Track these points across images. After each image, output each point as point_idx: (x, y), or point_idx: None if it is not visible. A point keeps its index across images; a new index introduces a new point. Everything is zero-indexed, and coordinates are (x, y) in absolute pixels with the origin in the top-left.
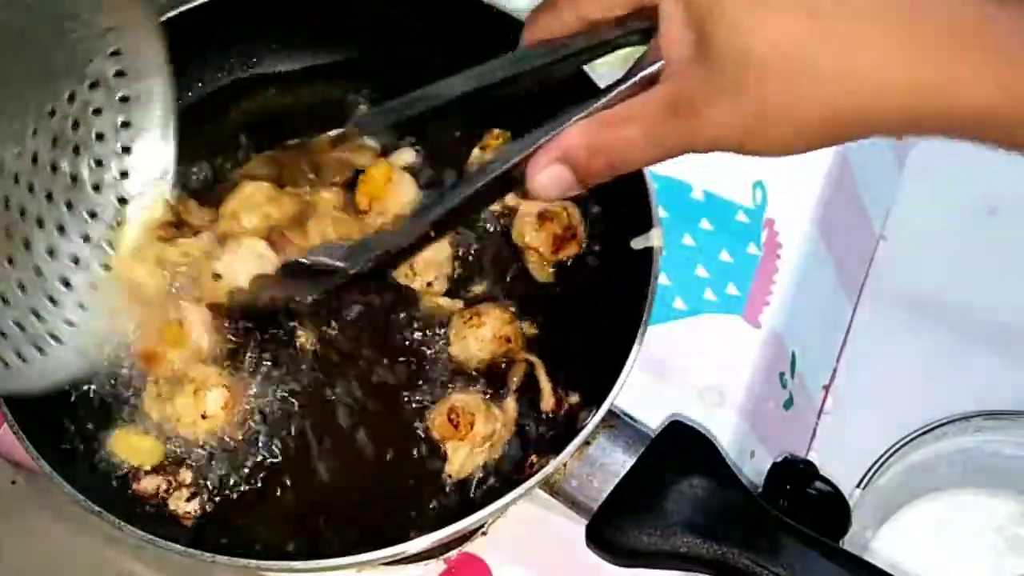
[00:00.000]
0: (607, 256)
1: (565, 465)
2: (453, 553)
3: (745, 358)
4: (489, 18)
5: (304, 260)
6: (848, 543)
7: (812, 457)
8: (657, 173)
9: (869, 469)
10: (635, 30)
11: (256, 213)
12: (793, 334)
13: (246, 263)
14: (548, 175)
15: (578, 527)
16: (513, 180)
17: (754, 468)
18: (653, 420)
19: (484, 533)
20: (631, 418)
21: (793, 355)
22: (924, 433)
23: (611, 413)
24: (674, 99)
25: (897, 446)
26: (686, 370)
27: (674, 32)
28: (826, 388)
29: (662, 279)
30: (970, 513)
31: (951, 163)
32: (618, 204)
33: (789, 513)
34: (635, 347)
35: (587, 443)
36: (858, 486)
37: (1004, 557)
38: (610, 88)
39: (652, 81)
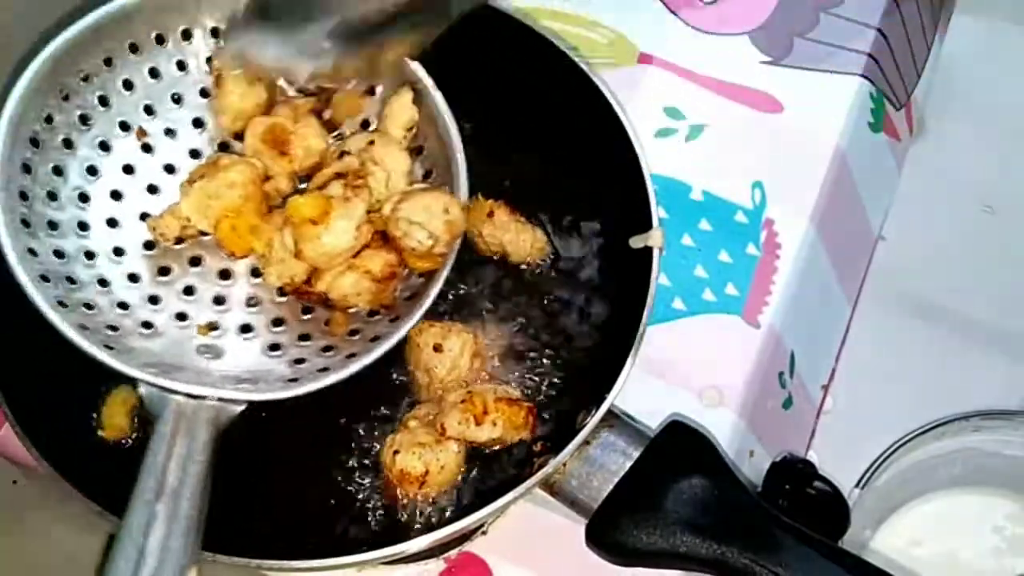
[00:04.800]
0: (607, 256)
1: (565, 465)
2: (453, 553)
3: (744, 358)
4: (489, 17)
5: None
6: (847, 543)
7: (811, 457)
8: (657, 173)
9: (868, 469)
10: None
11: None
12: (792, 334)
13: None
14: None
15: (578, 527)
16: None
17: (753, 468)
18: (653, 420)
19: (484, 533)
20: (631, 418)
21: (792, 355)
22: (923, 433)
23: (611, 413)
24: None
25: (896, 446)
26: (686, 370)
27: None
28: (825, 388)
29: (662, 279)
30: (970, 513)
31: (951, 163)
32: (618, 204)
33: (788, 513)
34: (635, 347)
35: (587, 443)
36: (857, 486)
37: (1004, 557)
38: None
39: None
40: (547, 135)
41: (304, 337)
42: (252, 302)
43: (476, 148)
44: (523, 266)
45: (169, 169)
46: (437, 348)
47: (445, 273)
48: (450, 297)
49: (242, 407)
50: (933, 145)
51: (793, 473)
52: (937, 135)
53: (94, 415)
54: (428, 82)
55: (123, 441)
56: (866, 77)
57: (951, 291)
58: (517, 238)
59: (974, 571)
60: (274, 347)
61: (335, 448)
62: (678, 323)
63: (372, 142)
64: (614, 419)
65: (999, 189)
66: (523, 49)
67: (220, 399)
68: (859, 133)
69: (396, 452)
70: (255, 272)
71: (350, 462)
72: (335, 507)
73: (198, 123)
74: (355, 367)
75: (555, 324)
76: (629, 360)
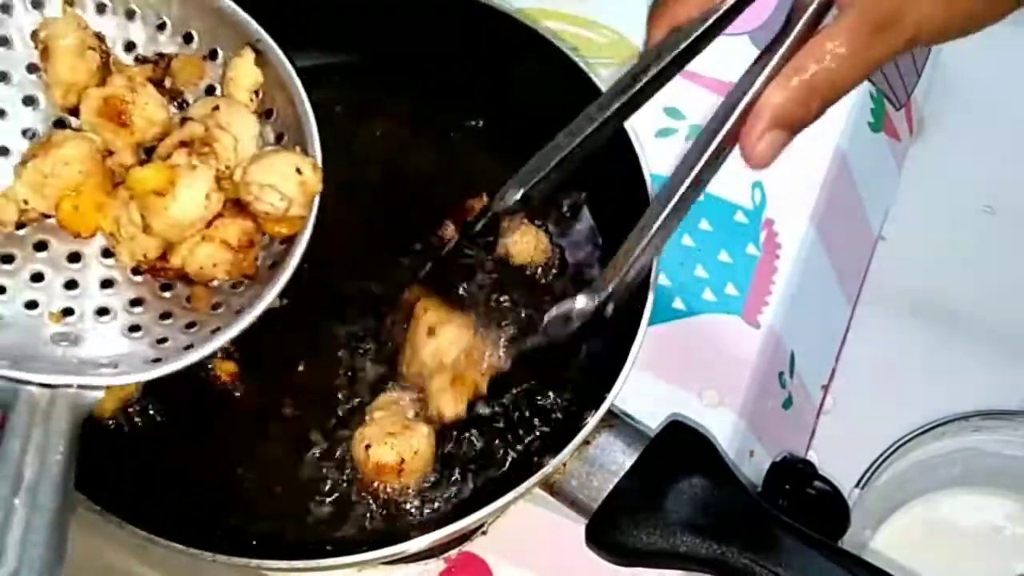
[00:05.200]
0: (607, 256)
1: (565, 465)
2: (453, 552)
3: (744, 358)
4: (489, 18)
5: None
6: (847, 543)
7: (811, 457)
8: (657, 173)
9: (868, 469)
10: None
11: None
12: (792, 334)
13: None
14: (767, 143)
15: (578, 527)
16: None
17: (753, 468)
18: (653, 420)
19: (484, 533)
20: (631, 418)
21: (792, 355)
22: (923, 433)
23: (611, 413)
24: (872, 17)
25: (896, 446)
26: (686, 370)
27: None
28: (825, 388)
29: (662, 279)
30: (970, 513)
31: (951, 163)
32: (618, 204)
33: (788, 513)
34: (635, 347)
35: (587, 443)
36: (857, 486)
37: (1004, 557)
38: (776, 43)
39: (816, 23)
40: (547, 135)
41: (165, 315)
42: (106, 284)
43: (476, 148)
44: (526, 270)
45: (2, 152)
46: (430, 331)
47: (307, 236)
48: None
49: (99, 393)
50: (933, 145)
51: (793, 473)
52: (937, 135)
53: None
54: (269, 41)
55: (108, 423)
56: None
57: (951, 291)
58: (521, 240)
59: (974, 571)
60: (134, 328)
61: (335, 448)
62: (678, 323)
63: (217, 107)
64: (614, 419)
65: (999, 189)
66: (523, 49)
67: (79, 386)
68: (859, 133)
69: (368, 447)
70: (106, 253)
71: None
72: (335, 507)
73: (29, 101)
74: (219, 341)
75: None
76: (629, 360)
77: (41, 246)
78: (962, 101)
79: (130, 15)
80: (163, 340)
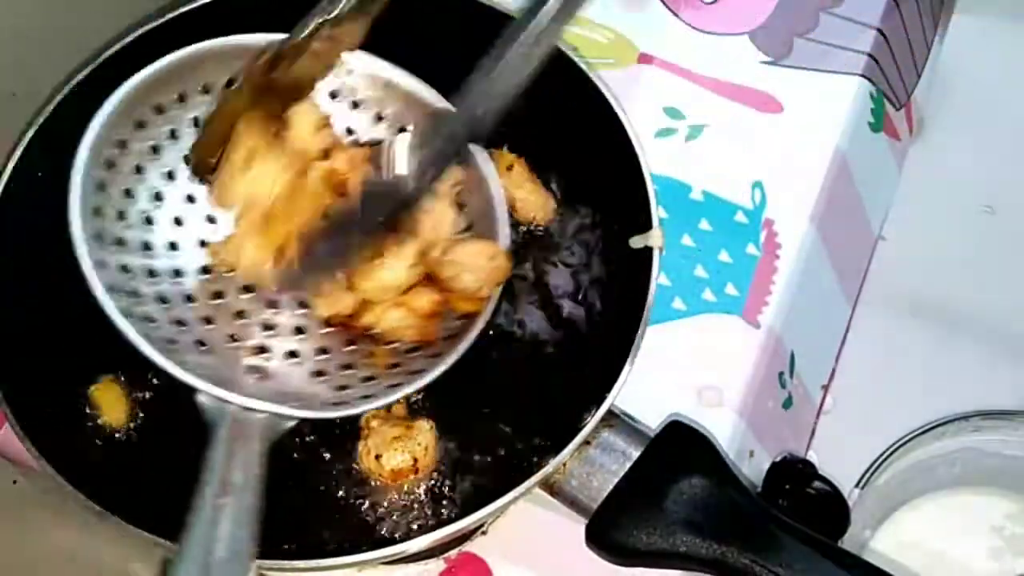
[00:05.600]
0: (607, 256)
1: (565, 465)
2: (453, 552)
3: (744, 358)
4: (489, 18)
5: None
6: (847, 543)
7: (811, 457)
8: (657, 173)
9: (868, 469)
10: None
11: None
12: (792, 334)
13: None
14: None
15: (578, 527)
16: None
17: (753, 468)
18: (653, 420)
19: (484, 533)
20: (631, 418)
21: (792, 355)
22: (923, 433)
23: (611, 413)
24: None
25: (896, 446)
26: (686, 370)
27: None
28: (825, 388)
29: (662, 279)
30: (970, 513)
31: (951, 163)
32: (618, 204)
33: (788, 513)
34: (635, 347)
35: (587, 443)
36: (857, 486)
37: (1004, 557)
38: None
39: None
40: (547, 135)
41: (347, 367)
42: (299, 330)
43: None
44: (524, 226)
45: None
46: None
47: (487, 315)
48: None
49: (292, 423)
50: (933, 145)
51: (793, 473)
52: (937, 135)
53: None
54: (477, 148)
55: (118, 435)
56: (866, 77)
57: (951, 291)
58: (528, 197)
59: (974, 571)
60: (319, 373)
61: (335, 448)
62: (678, 323)
63: None
64: (614, 419)
65: (999, 189)
66: None
67: (272, 414)
68: (859, 133)
69: (378, 456)
70: (301, 304)
71: (349, 462)
72: (335, 507)
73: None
74: (399, 394)
75: (555, 320)
76: (629, 360)
77: (247, 289)
78: (962, 101)
79: (356, 106)
80: (343, 387)
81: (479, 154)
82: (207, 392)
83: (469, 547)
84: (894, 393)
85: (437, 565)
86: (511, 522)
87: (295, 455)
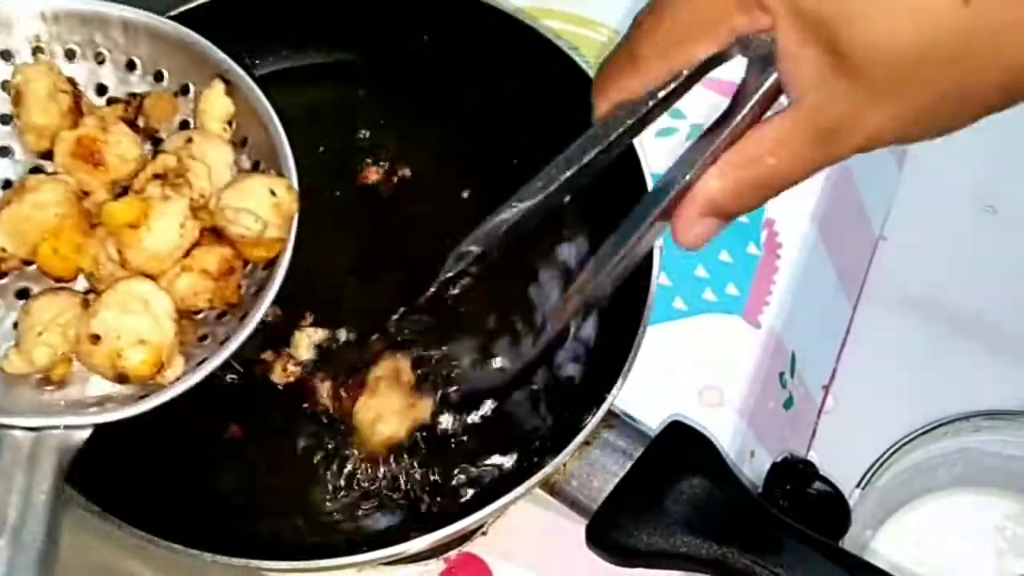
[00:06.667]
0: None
1: (565, 465)
2: (453, 553)
3: (745, 358)
4: (489, 17)
5: None
6: (848, 543)
7: (812, 457)
8: (657, 173)
9: (869, 469)
10: (716, 62)
11: None
12: (793, 334)
13: None
14: (700, 230)
15: (578, 527)
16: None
17: (754, 468)
18: (653, 420)
19: (484, 533)
20: (631, 418)
21: (793, 355)
22: (924, 433)
23: (611, 413)
24: (818, 123)
25: (897, 446)
26: (686, 370)
27: (793, 51)
28: (826, 388)
29: (662, 279)
30: (970, 513)
31: (951, 163)
32: (618, 204)
33: (789, 513)
34: (635, 347)
35: (587, 443)
36: (858, 486)
37: (1004, 557)
38: (721, 123)
39: (764, 107)
40: (547, 135)
41: None
42: None
43: (476, 148)
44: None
45: None
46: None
47: (287, 258)
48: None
49: (89, 430)
50: (934, 145)
51: (794, 473)
52: None
53: None
54: (238, 70)
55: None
56: None
57: (951, 291)
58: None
59: (975, 571)
60: None
61: (336, 448)
62: (678, 323)
63: (190, 140)
64: (614, 419)
65: (999, 189)
66: (523, 49)
67: (65, 427)
68: None
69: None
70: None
71: (350, 461)
72: (335, 507)
73: (4, 152)
74: (203, 372)
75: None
76: (629, 360)
77: (23, 294)
78: None
79: (99, 59)
80: None
81: (241, 79)
82: None
83: (469, 547)
84: (895, 393)
85: (437, 565)
86: (511, 522)
87: (295, 454)
